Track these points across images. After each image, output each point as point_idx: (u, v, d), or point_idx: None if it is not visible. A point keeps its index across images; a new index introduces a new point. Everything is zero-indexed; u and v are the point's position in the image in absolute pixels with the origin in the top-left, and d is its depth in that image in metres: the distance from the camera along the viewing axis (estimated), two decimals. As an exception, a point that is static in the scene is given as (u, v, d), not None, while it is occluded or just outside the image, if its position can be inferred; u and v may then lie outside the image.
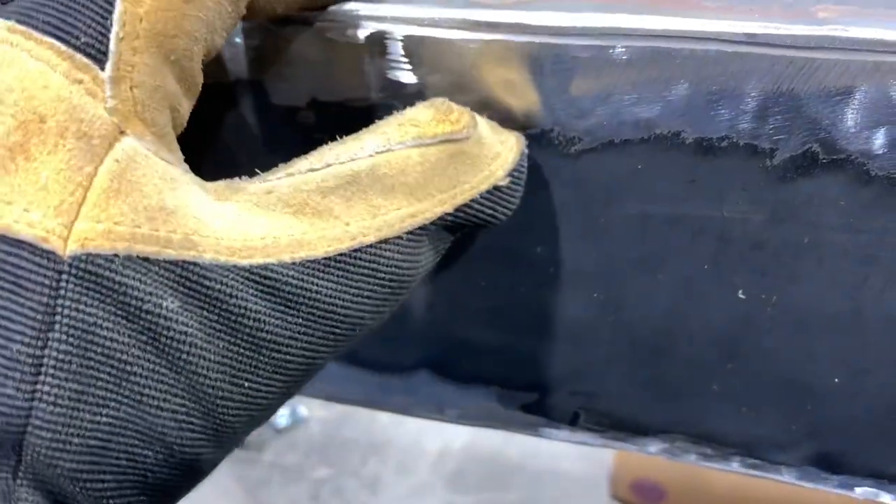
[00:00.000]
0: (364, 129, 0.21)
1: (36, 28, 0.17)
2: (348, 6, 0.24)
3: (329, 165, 0.20)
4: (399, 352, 0.31)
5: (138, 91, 0.18)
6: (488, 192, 0.22)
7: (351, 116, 0.25)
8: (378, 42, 0.23)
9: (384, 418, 1.38)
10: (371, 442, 1.41)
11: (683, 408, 0.28)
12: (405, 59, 0.24)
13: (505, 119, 0.24)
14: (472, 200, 0.22)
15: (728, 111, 0.22)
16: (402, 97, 0.24)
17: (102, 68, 0.18)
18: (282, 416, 1.43)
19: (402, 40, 0.23)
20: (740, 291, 0.25)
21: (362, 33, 0.23)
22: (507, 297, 0.28)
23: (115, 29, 0.18)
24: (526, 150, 0.23)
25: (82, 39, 0.18)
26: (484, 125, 0.22)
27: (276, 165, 0.21)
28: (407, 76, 0.24)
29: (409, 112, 0.22)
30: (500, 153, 0.22)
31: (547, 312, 0.28)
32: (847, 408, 0.27)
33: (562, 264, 0.26)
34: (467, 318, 0.29)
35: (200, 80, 0.20)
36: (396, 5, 0.23)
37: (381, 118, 0.25)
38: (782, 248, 0.24)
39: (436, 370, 0.31)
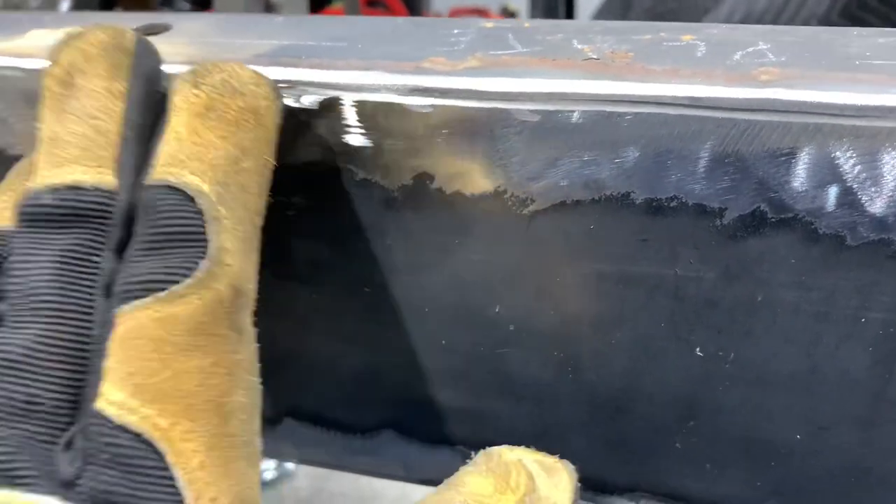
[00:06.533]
0: None
1: None
2: (303, 73, 0.24)
3: None
4: (363, 413, 0.30)
5: None
6: None
7: (310, 179, 0.25)
8: (332, 108, 0.24)
9: (371, 472, 1.37)
10: (359, 496, 1.38)
11: (647, 466, 0.28)
12: (359, 124, 0.24)
13: (458, 181, 0.24)
14: None
15: (676, 172, 0.22)
16: (359, 160, 0.25)
17: None
18: (268, 470, 1.41)
19: (354, 106, 0.24)
20: (697, 349, 0.25)
21: (316, 100, 0.24)
22: (468, 357, 0.28)
23: None
24: (578, 483, 0.23)
25: None
26: (538, 472, 0.22)
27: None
28: (361, 140, 0.24)
29: (466, 480, 0.21)
30: (556, 502, 0.22)
31: (508, 372, 0.28)
32: (810, 465, 0.26)
33: (520, 324, 0.26)
34: (430, 379, 0.29)
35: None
36: (349, 72, 0.24)
37: (340, 181, 0.25)
38: (736, 305, 0.24)
39: (400, 431, 0.30)
